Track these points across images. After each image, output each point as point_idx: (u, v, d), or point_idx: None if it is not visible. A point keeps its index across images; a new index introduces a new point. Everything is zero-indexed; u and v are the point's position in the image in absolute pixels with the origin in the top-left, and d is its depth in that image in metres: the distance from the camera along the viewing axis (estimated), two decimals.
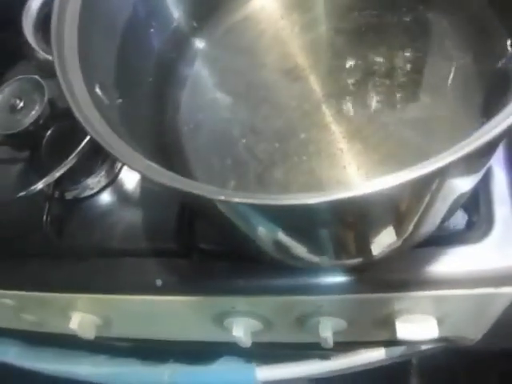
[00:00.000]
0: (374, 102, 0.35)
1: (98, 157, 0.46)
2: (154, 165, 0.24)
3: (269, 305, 0.41)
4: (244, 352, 0.52)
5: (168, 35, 0.37)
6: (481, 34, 0.36)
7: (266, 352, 0.52)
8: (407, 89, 0.35)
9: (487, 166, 0.32)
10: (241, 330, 0.43)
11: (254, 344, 0.46)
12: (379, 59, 0.36)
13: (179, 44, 0.38)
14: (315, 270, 0.39)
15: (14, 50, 0.53)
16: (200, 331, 0.49)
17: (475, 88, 0.34)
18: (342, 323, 0.42)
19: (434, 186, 0.28)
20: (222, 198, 0.21)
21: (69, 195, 0.46)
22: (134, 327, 0.50)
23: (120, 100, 0.30)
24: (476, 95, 0.33)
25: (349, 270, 0.38)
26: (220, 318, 0.44)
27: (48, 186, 0.43)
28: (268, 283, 0.39)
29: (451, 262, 0.37)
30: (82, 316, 0.46)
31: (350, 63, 0.36)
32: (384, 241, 0.33)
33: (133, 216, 0.44)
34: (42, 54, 0.31)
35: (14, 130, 0.46)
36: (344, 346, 0.48)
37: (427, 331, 0.40)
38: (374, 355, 0.48)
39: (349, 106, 0.36)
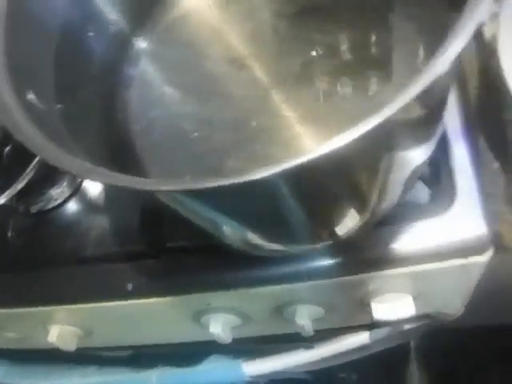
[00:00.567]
0: (321, 82, 0.35)
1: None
2: (84, 162, 0.24)
3: (243, 297, 0.41)
4: (230, 349, 0.52)
5: (108, 37, 0.36)
6: (423, 6, 0.35)
7: (251, 347, 0.51)
8: (353, 66, 0.34)
9: (437, 135, 0.31)
10: (218, 327, 0.43)
11: (238, 340, 0.46)
12: (324, 39, 0.36)
13: (121, 45, 0.38)
14: (286, 258, 0.38)
15: None
16: (180, 332, 0.48)
17: (420, 59, 0.33)
18: (319, 310, 0.42)
19: (385, 154, 0.28)
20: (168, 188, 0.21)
21: (34, 209, 0.45)
22: (116, 334, 0.50)
23: (60, 105, 0.30)
24: (421, 66, 0.33)
25: (318, 255, 0.38)
26: (197, 317, 0.43)
27: (11, 200, 0.43)
28: (239, 275, 0.39)
29: (418, 237, 0.37)
30: (60, 328, 0.46)
31: (293, 47, 0.36)
32: (347, 218, 0.33)
33: (99, 222, 0.44)
34: None
35: None
36: (327, 333, 0.48)
37: (403, 310, 0.40)
38: (358, 339, 0.48)
39: (297, 90, 0.35)
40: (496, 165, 0.38)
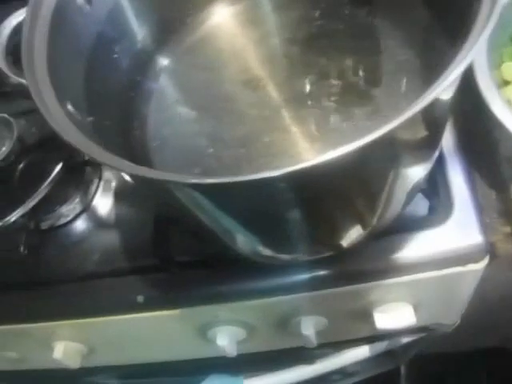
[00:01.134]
0: (329, 102, 0.38)
1: (70, 185, 0.47)
2: (128, 162, 0.25)
3: (249, 309, 0.42)
4: (231, 366, 0.52)
5: (133, 55, 0.39)
6: (421, 33, 0.39)
7: (252, 364, 0.52)
8: (359, 87, 0.37)
9: (436, 151, 0.34)
10: (225, 339, 0.44)
11: (241, 356, 0.47)
12: (331, 63, 0.39)
13: (144, 62, 0.41)
14: (290, 269, 0.40)
15: None
16: (186, 348, 0.49)
17: (420, 80, 0.37)
18: (322, 320, 0.43)
19: (388, 168, 0.30)
20: (195, 181, 0.23)
21: (44, 225, 0.46)
22: (120, 352, 0.50)
23: (91, 118, 0.32)
24: (420, 87, 0.36)
25: (322, 266, 0.40)
26: (204, 330, 0.44)
27: (23, 217, 0.44)
28: (245, 287, 0.41)
29: (418, 247, 0.39)
30: (65, 344, 0.46)
31: (304, 69, 0.39)
32: (350, 229, 0.35)
33: (109, 238, 0.45)
34: (14, 78, 0.33)
35: None
36: (328, 347, 0.49)
37: (405, 319, 0.42)
38: (358, 353, 0.50)
39: (307, 109, 0.38)
40: (488, 180, 0.41)
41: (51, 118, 0.26)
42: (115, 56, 0.36)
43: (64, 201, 0.46)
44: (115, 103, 0.36)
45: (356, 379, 0.61)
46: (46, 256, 0.45)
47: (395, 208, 0.36)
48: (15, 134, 0.48)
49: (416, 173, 0.34)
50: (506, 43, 0.43)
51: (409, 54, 0.38)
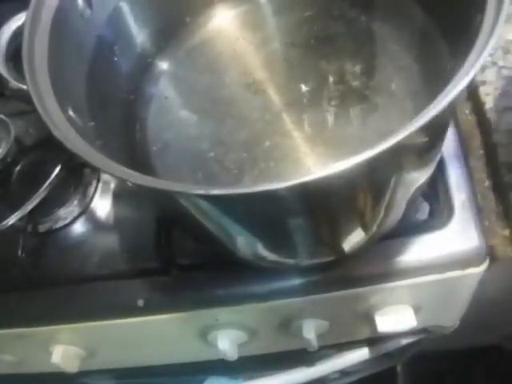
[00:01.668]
0: (329, 106, 0.38)
1: (68, 187, 0.47)
2: (132, 172, 0.25)
3: (250, 312, 0.42)
4: (230, 369, 0.52)
5: (133, 59, 0.39)
6: (421, 37, 0.39)
7: (252, 366, 0.52)
8: (358, 91, 0.37)
9: (437, 157, 0.34)
10: (226, 343, 0.44)
11: (240, 359, 0.47)
12: (331, 67, 0.39)
13: (144, 66, 0.40)
14: (292, 272, 0.40)
15: None
16: (185, 351, 0.49)
17: (419, 85, 0.37)
18: (324, 324, 0.43)
19: (390, 174, 0.30)
20: (201, 192, 0.23)
21: (42, 228, 0.46)
22: (118, 355, 0.50)
23: (92, 123, 0.31)
24: (420, 91, 0.36)
25: (324, 269, 0.40)
26: (204, 333, 0.44)
27: (21, 219, 0.44)
28: (246, 290, 0.41)
29: (419, 250, 0.39)
30: (64, 348, 0.46)
31: (304, 73, 0.39)
32: (353, 233, 0.35)
33: (109, 241, 0.45)
34: (14, 84, 0.32)
35: None
36: (329, 348, 0.49)
37: (406, 321, 0.42)
38: (358, 355, 0.50)
39: (307, 113, 0.38)
40: (488, 183, 0.41)
41: (54, 125, 0.26)
42: (115, 59, 0.36)
43: (62, 203, 0.46)
44: (116, 107, 0.36)
45: (353, 378, 0.61)
46: (45, 259, 0.45)
47: (396, 213, 0.36)
48: (12, 135, 0.48)
49: (417, 178, 0.34)
50: None
51: (409, 58, 0.38)
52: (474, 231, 0.39)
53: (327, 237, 0.36)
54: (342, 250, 0.37)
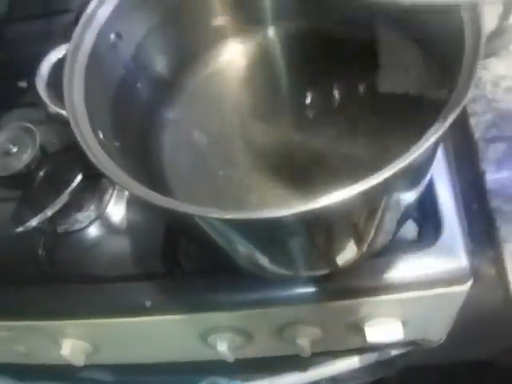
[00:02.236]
0: (332, 131, 0.41)
1: (87, 193, 0.51)
2: (153, 192, 0.29)
3: (248, 318, 0.45)
4: (229, 371, 0.55)
5: (152, 85, 0.43)
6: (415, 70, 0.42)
7: (249, 369, 0.55)
8: (359, 116, 0.41)
9: (426, 179, 0.37)
10: (224, 345, 0.47)
11: (239, 361, 0.50)
12: (334, 94, 0.42)
13: (162, 91, 0.44)
14: (289, 282, 0.43)
15: (7, 97, 0.59)
16: (187, 351, 0.52)
17: (418, 111, 0.40)
18: (317, 331, 0.46)
19: (382, 200, 0.33)
20: (216, 215, 0.26)
21: (60, 229, 0.50)
22: (123, 352, 0.53)
23: (117, 143, 0.35)
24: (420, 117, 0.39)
25: (318, 281, 0.43)
26: (205, 335, 0.47)
27: (42, 222, 0.47)
28: (246, 297, 0.43)
29: (407, 268, 0.42)
30: (73, 342, 0.49)
31: (310, 102, 0.42)
32: (346, 251, 0.38)
33: (121, 245, 0.48)
34: (53, 108, 0.37)
35: (8, 173, 0.50)
36: (322, 356, 0.52)
37: (394, 333, 0.44)
38: (348, 363, 0.52)
39: (312, 137, 0.41)
40: (474, 205, 0.44)
41: (89, 150, 0.30)
42: (137, 87, 0.40)
43: (80, 208, 0.50)
44: (136, 129, 0.40)
45: None
46: (61, 258, 0.48)
47: (387, 233, 0.39)
48: (37, 142, 0.51)
49: (407, 199, 0.37)
50: None
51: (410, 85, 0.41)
52: (459, 251, 0.42)
53: (322, 253, 0.39)
54: (336, 265, 0.40)
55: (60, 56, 0.37)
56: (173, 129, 0.44)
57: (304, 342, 0.46)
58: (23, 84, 0.60)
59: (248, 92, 0.45)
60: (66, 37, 0.37)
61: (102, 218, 0.50)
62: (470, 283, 0.42)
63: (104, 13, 0.37)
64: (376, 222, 0.36)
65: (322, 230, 0.35)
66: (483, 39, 0.30)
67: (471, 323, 0.48)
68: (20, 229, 0.46)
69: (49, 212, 0.46)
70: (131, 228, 0.49)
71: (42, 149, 0.52)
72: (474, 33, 0.30)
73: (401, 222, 0.40)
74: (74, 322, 0.47)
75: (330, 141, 0.41)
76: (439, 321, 0.47)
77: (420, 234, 0.43)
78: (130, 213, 0.50)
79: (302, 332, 0.46)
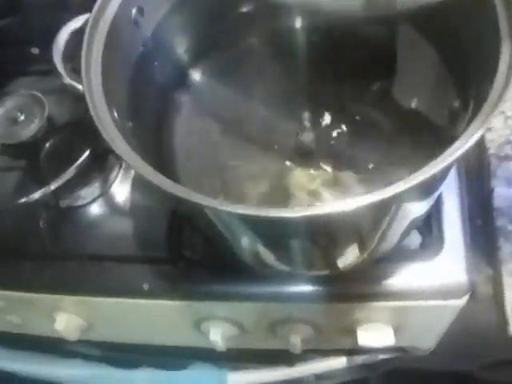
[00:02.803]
0: (346, 130, 0.41)
1: (93, 170, 0.50)
2: (167, 179, 0.28)
3: (244, 310, 0.45)
4: (217, 358, 0.56)
5: (169, 68, 0.42)
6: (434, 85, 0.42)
7: (237, 359, 0.55)
8: (370, 135, 0.41)
9: (437, 193, 0.38)
10: (217, 334, 0.47)
11: (228, 350, 0.50)
12: (350, 93, 0.42)
13: (178, 75, 0.43)
14: (288, 280, 0.43)
15: (18, 63, 0.58)
16: (179, 336, 0.52)
17: (430, 128, 0.40)
18: (310, 330, 0.47)
19: (391, 210, 0.33)
20: (227, 208, 0.26)
21: (63, 203, 0.49)
22: (116, 331, 0.53)
23: (131, 123, 0.35)
24: (430, 136, 0.39)
25: (317, 282, 0.43)
26: (198, 323, 0.47)
27: (46, 195, 0.47)
28: (243, 290, 0.44)
29: (407, 277, 0.42)
30: (68, 317, 0.49)
31: (322, 102, 0.42)
32: (349, 255, 0.38)
33: (123, 225, 0.48)
34: (68, 80, 0.36)
35: (14, 141, 0.50)
36: (310, 353, 0.53)
37: (384, 339, 0.45)
38: (336, 363, 0.53)
39: (326, 132, 0.41)
40: (479, 222, 0.44)
41: (104, 127, 0.29)
42: (154, 68, 0.39)
43: (85, 184, 0.49)
44: (149, 111, 0.39)
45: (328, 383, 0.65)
46: (62, 233, 0.48)
47: (391, 243, 0.39)
48: (46, 112, 0.51)
49: (414, 213, 0.37)
50: None
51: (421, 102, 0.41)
52: (459, 266, 0.42)
53: (325, 255, 0.39)
54: (337, 268, 0.40)
55: (77, 26, 0.36)
56: (186, 114, 0.43)
57: (296, 339, 0.46)
58: (35, 51, 0.58)
59: (266, 82, 0.44)
60: (85, 7, 0.36)
61: (105, 196, 0.50)
62: (465, 298, 0.43)
63: None
64: (382, 231, 0.36)
65: (328, 233, 0.35)
66: None
67: (459, 336, 0.48)
68: (22, 200, 0.45)
69: (53, 186, 0.46)
70: (135, 209, 0.49)
71: (50, 120, 0.51)
72: None
73: (407, 233, 0.40)
74: (70, 297, 0.47)
75: (343, 138, 0.41)
76: (431, 331, 0.47)
77: (422, 244, 0.44)
78: (135, 194, 0.50)
79: (295, 329, 0.46)
